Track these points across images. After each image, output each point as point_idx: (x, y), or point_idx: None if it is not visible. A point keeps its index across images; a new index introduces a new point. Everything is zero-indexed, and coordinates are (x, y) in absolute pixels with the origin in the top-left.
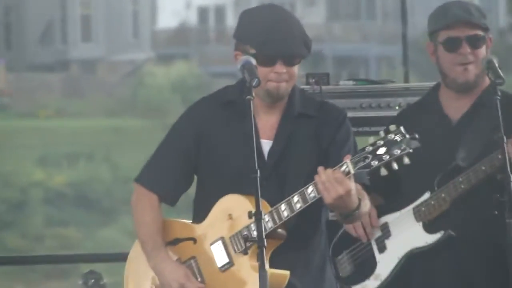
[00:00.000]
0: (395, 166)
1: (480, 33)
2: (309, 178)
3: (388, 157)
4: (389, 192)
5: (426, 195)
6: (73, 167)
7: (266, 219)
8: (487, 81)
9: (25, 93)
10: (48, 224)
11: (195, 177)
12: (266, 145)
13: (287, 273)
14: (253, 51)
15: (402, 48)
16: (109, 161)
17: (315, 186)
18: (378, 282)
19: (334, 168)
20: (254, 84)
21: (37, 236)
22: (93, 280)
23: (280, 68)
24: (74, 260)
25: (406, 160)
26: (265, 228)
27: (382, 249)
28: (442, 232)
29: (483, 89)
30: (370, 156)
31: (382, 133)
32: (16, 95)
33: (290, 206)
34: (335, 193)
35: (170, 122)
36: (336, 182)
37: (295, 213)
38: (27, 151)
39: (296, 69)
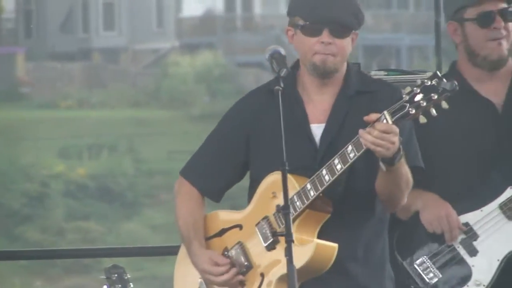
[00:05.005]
0: (433, 112)
1: (509, 6)
2: (365, 156)
3: (425, 103)
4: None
5: (510, 191)
6: (95, 159)
7: (308, 187)
8: (510, 60)
9: (45, 83)
10: (69, 217)
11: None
12: (318, 129)
13: (335, 245)
14: (301, 22)
15: (435, 37)
16: (132, 152)
17: (355, 144)
18: None
19: (373, 124)
20: (282, 74)
21: (57, 230)
22: (116, 275)
23: (326, 37)
24: (96, 255)
25: (445, 105)
26: (307, 197)
27: (473, 252)
28: None
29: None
30: (407, 105)
31: (419, 81)
32: (37, 84)
33: (330, 169)
34: (389, 144)
35: (194, 113)
36: (386, 134)
37: (336, 175)
38: (48, 142)
39: (346, 42)
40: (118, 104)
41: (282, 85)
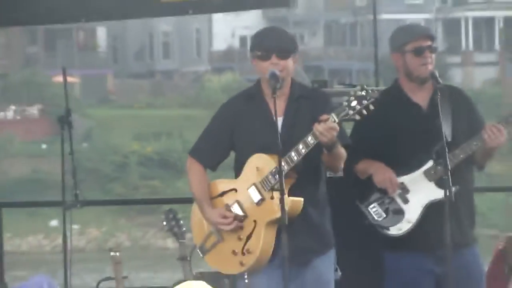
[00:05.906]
0: (364, 112)
1: (433, 43)
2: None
3: (359, 107)
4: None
5: (430, 163)
6: (158, 141)
7: (283, 164)
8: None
9: (125, 93)
10: (141, 178)
11: (232, 151)
12: (279, 121)
13: (301, 199)
14: (258, 52)
15: (374, 64)
16: (181, 138)
17: (313, 135)
18: (410, 224)
19: (325, 120)
20: (278, 87)
21: (134, 186)
22: (171, 215)
23: (274, 60)
24: (158, 202)
25: (371, 107)
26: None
27: (405, 201)
28: (453, 188)
29: (431, 84)
30: (347, 109)
31: (352, 92)
32: (119, 93)
33: (297, 151)
34: (331, 136)
35: None
36: (331, 129)
37: (302, 156)
38: (127, 130)
39: (288, 62)
40: (173, 106)
41: (277, 93)
